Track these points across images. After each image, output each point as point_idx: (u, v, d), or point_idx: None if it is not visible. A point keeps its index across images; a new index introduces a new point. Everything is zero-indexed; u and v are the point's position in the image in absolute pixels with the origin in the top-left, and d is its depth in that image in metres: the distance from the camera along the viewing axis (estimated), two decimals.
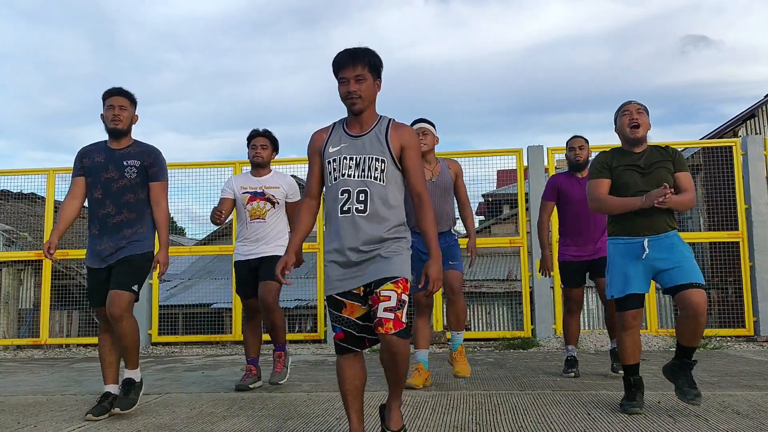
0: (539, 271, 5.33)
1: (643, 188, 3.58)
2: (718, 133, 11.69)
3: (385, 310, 2.63)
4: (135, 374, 3.87)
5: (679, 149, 3.95)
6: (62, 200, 4.39)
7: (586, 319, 8.66)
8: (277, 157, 5.05)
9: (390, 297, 2.64)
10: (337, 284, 2.75)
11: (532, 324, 8.04)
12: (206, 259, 11.89)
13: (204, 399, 4.34)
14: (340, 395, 2.85)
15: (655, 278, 3.63)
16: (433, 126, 4.66)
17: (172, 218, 9.26)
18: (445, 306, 7.56)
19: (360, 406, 2.82)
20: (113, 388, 3.90)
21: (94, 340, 4.21)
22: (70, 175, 4.10)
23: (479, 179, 8.56)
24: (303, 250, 3.59)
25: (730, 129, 11.47)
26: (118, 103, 3.93)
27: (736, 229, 8.02)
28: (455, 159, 4.94)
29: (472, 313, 10.09)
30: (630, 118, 3.71)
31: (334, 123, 2.93)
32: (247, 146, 4.88)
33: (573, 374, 4.97)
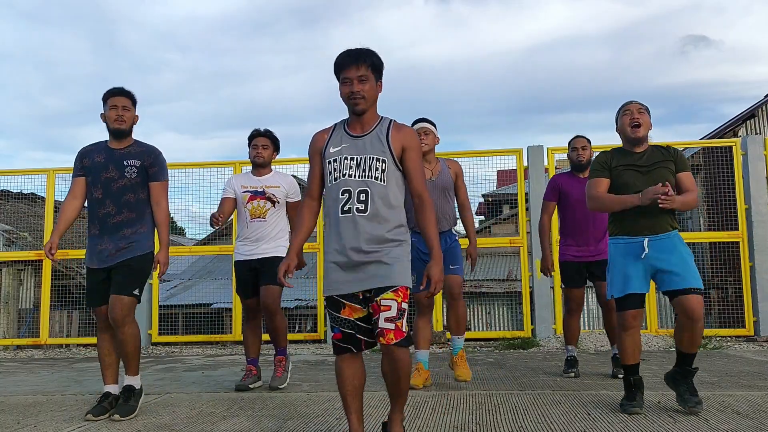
0: (541, 271, 5.33)
1: (643, 188, 3.57)
2: (718, 133, 11.69)
3: (386, 320, 2.65)
4: (135, 381, 3.87)
5: (679, 149, 3.95)
6: (62, 200, 4.39)
7: (586, 319, 8.66)
8: (277, 157, 5.05)
9: (390, 307, 2.65)
10: (337, 286, 2.74)
11: (532, 324, 8.04)
12: (206, 259, 11.88)
13: (204, 399, 4.34)
14: (340, 395, 2.85)
15: (654, 278, 3.64)
16: (434, 126, 4.67)
17: (172, 218, 9.26)
18: (445, 306, 7.55)
19: (359, 406, 2.82)
20: (113, 388, 3.90)
21: (94, 340, 4.21)
22: (70, 175, 4.10)
23: (479, 179, 8.56)
24: (303, 250, 3.59)
25: (730, 129, 11.47)
26: (122, 103, 3.94)
27: (736, 229, 8.02)
28: (455, 159, 4.94)
29: (472, 313, 10.09)
30: (631, 117, 3.71)
31: (335, 124, 2.93)
32: (248, 146, 4.88)
33: (573, 374, 4.97)
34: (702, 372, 5.06)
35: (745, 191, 7.99)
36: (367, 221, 2.70)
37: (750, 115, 11.42)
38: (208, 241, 10.29)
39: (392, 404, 2.84)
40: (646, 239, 3.59)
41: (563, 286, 5.21)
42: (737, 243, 8.01)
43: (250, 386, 4.66)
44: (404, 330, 2.68)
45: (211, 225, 4.63)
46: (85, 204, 4.05)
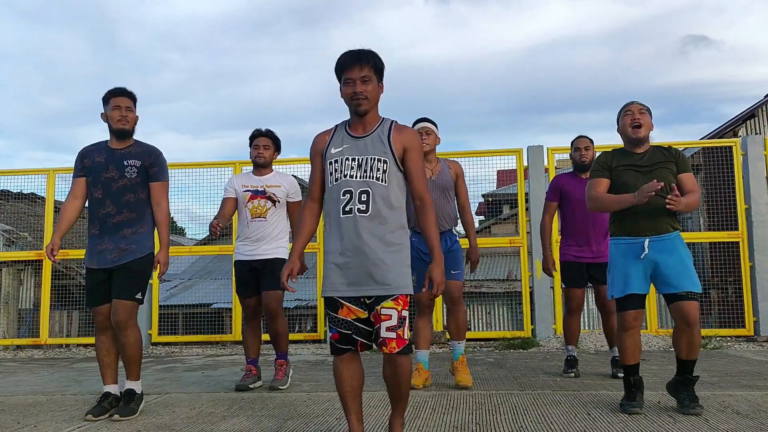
0: (543, 271, 5.34)
1: None
2: (718, 133, 11.69)
3: (388, 329, 2.67)
4: (136, 386, 3.88)
5: (680, 149, 3.95)
6: (62, 200, 4.39)
7: (586, 319, 8.65)
8: (278, 157, 5.05)
9: (391, 316, 2.67)
10: (337, 287, 2.74)
11: (532, 324, 8.04)
12: (206, 259, 11.88)
13: (204, 399, 4.34)
14: (338, 396, 2.85)
15: (652, 278, 3.64)
16: (436, 126, 4.67)
17: (172, 218, 9.25)
18: (445, 307, 7.55)
19: (359, 406, 2.82)
20: (113, 388, 3.90)
21: (94, 340, 4.19)
22: (70, 175, 4.11)
23: (479, 179, 8.54)
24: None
25: (730, 129, 11.47)
26: (125, 104, 3.94)
27: (736, 229, 8.02)
28: (456, 160, 4.94)
29: (472, 313, 10.08)
30: (632, 118, 3.71)
31: (336, 125, 2.93)
32: (250, 146, 4.88)
33: (573, 374, 4.97)
34: (702, 372, 5.05)
35: (745, 191, 7.99)
36: (368, 222, 2.70)
37: (750, 115, 11.42)
38: (208, 241, 10.27)
39: (393, 408, 2.85)
40: (647, 240, 3.59)
41: (563, 286, 5.20)
42: (737, 243, 8.01)
43: (250, 386, 4.66)
44: (406, 337, 2.70)
45: (211, 233, 4.59)
46: (86, 204, 4.05)
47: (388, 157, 2.76)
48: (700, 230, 8.82)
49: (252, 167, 4.92)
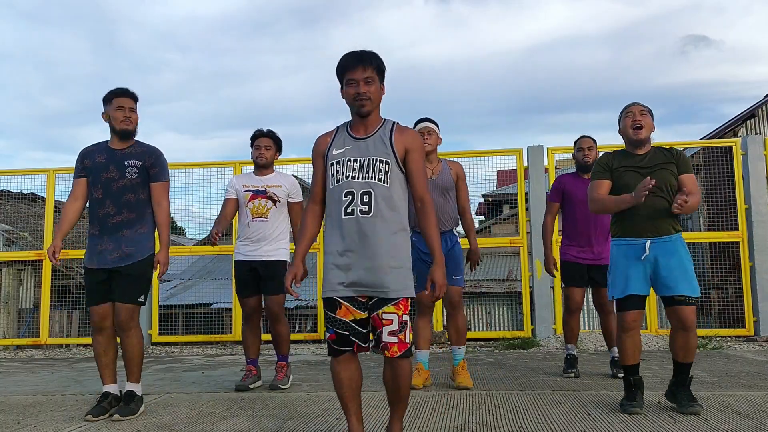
0: (546, 270, 5.34)
1: None
2: (718, 133, 11.69)
3: (389, 334, 2.68)
4: (137, 388, 3.88)
5: (680, 149, 3.95)
6: (62, 200, 4.40)
7: (586, 319, 8.65)
8: (279, 157, 5.05)
9: (392, 321, 2.68)
10: (337, 287, 2.74)
11: (532, 324, 8.04)
12: (206, 259, 11.88)
13: (204, 399, 4.34)
14: (337, 397, 2.85)
15: (652, 279, 3.64)
16: (437, 126, 4.67)
17: (172, 218, 9.25)
18: (445, 309, 7.55)
19: (358, 407, 2.82)
20: (112, 388, 3.90)
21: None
22: (70, 175, 4.11)
23: (479, 179, 8.54)
24: None
25: (730, 129, 11.47)
26: (128, 104, 3.95)
27: (736, 229, 8.02)
28: (457, 161, 4.93)
29: (472, 313, 10.08)
30: (633, 119, 3.72)
31: (338, 127, 2.93)
32: (251, 146, 4.87)
33: (573, 374, 4.97)
34: (702, 372, 5.06)
35: (745, 191, 7.99)
36: (370, 223, 2.70)
37: (750, 115, 11.42)
38: (208, 241, 10.27)
39: (392, 412, 2.84)
40: (649, 241, 3.59)
41: (563, 285, 5.19)
42: (737, 243, 8.01)
43: (250, 386, 4.66)
44: (407, 341, 2.71)
45: (211, 244, 4.59)
46: (87, 205, 4.05)
47: (390, 158, 2.76)
48: (700, 230, 8.82)
49: (253, 167, 4.92)
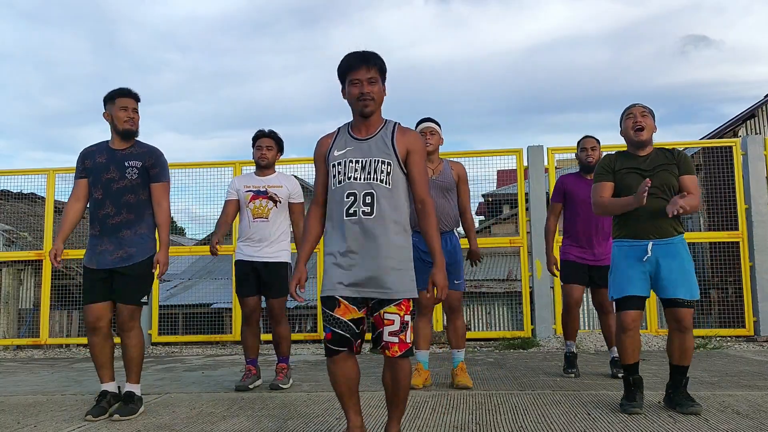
0: (548, 270, 5.34)
1: None
2: (718, 133, 11.69)
3: (390, 334, 2.69)
4: (136, 389, 3.88)
5: (682, 150, 3.95)
6: (62, 200, 4.40)
7: (586, 319, 8.65)
8: (280, 157, 5.05)
9: (393, 321, 2.69)
10: (336, 287, 2.74)
11: (532, 324, 8.04)
12: (206, 259, 11.87)
13: (204, 399, 4.34)
14: (336, 395, 2.86)
15: (652, 280, 3.64)
16: (439, 126, 4.68)
17: (172, 218, 9.25)
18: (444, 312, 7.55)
19: (356, 401, 2.83)
20: (110, 386, 3.90)
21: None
22: (70, 175, 4.12)
23: (479, 179, 8.54)
24: None
25: (730, 129, 11.47)
26: (132, 105, 3.96)
27: (736, 229, 8.02)
28: (458, 161, 4.93)
29: (472, 313, 10.08)
30: (634, 121, 3.72)
31: (339, 128, 2.93)
32: (252, 147, 4.87)
33: (573, 374, 4.97)
34: (702, 372, 5.06)
35: (745, 191, 7.99)
36: (373, 224, 2.70)
37: (750, 115, 11.42)
38: (208, 241, 10.28)
39: (390, 413, 2.84)
40: (651, 243, 3.59)
41: (562, 283, 5.17)
42: (737, 243, 8.01)
43: (250, 386, 4.66)
44: (408, 341, 2.72)
45: (212, 254, 4.66)
46: (88, 205, 4.05)
47: (392, 159, 2.76)
48: (700, 230, 8.82)
49: (254, 168, 4.92)
